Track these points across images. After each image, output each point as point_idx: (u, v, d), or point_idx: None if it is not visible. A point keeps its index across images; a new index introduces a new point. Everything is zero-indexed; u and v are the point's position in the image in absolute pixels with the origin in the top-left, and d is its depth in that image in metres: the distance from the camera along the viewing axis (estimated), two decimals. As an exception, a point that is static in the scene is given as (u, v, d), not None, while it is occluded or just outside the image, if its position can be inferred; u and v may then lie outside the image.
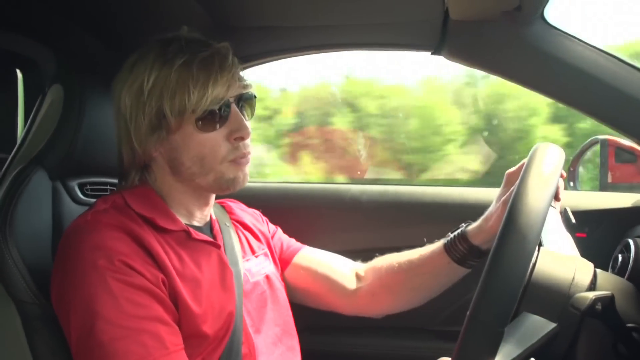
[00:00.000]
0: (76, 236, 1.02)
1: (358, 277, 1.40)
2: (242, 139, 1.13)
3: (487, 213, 1.24)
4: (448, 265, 1.27)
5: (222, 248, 1.20)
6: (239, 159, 1.13)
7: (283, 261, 1.39)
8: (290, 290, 1.37)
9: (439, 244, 1.30)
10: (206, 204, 1.22)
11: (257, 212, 1.46)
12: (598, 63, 1.31)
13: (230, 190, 1.16)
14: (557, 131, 3.21)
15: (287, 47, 1.65)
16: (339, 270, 1.40)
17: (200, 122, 1.09)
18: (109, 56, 1.35)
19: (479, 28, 1.34)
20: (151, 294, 1.00)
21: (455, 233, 1.28)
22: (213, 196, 1.24)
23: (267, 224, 1.45)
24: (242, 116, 1.13)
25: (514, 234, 0.77)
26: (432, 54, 1.52)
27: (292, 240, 1.45)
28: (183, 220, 1.16)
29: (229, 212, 1.38)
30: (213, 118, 1.09)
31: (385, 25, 1.49)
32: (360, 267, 1.42)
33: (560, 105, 1.40)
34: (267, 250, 1.36)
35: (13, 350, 1.03)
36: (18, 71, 1.53)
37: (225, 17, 1.45)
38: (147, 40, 1.17)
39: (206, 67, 1.08)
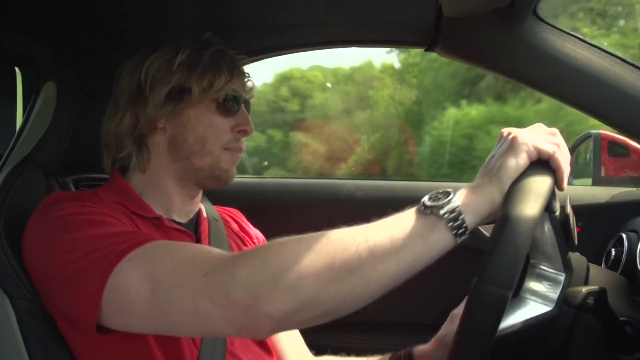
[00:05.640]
0: (42, 208, 1.02)
1: None
2: (245, 132, 1.19)
3: (433, 340, 1.22)
4: None
5: (203, 242, 1.19)
6: (235, 150, 1.18)
7: None
8: None
9: (384, 358, 1.29)
10: (191, 197, 1.21)
11: (261, 236, 1.42)
12: (590, 58, 1.31)
13: (221, 181, 1.19)
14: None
15: (281, 45, 1.65)
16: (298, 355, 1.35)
17: (219, 105, 1.16)
18: (103, 53, 1.35)
19: (472, 24, 1.34)
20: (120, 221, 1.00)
21: (403, 351, 1.26)
22: (200, 192, 1.24)
23: None
24: None
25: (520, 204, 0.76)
26: (425, 50, 1.52)
27: None
28: (159, 212, 1.16)
29: (226, 219, 1.35)
30: (229, 105, 1.16)
31: (379, 22, 1.50)
32: None
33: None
34: None
35: (8, 345, 1.03)
36: (17, 68, 1.53)
37: (220, 15, 1.45)
38: (142, 37, 1.20)
39: (234, 61, 1.19)
